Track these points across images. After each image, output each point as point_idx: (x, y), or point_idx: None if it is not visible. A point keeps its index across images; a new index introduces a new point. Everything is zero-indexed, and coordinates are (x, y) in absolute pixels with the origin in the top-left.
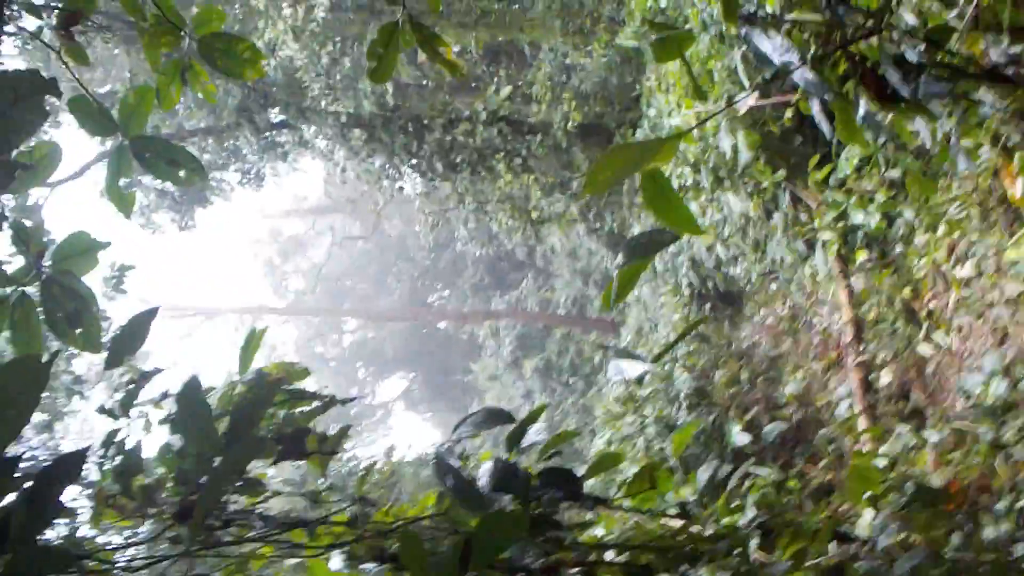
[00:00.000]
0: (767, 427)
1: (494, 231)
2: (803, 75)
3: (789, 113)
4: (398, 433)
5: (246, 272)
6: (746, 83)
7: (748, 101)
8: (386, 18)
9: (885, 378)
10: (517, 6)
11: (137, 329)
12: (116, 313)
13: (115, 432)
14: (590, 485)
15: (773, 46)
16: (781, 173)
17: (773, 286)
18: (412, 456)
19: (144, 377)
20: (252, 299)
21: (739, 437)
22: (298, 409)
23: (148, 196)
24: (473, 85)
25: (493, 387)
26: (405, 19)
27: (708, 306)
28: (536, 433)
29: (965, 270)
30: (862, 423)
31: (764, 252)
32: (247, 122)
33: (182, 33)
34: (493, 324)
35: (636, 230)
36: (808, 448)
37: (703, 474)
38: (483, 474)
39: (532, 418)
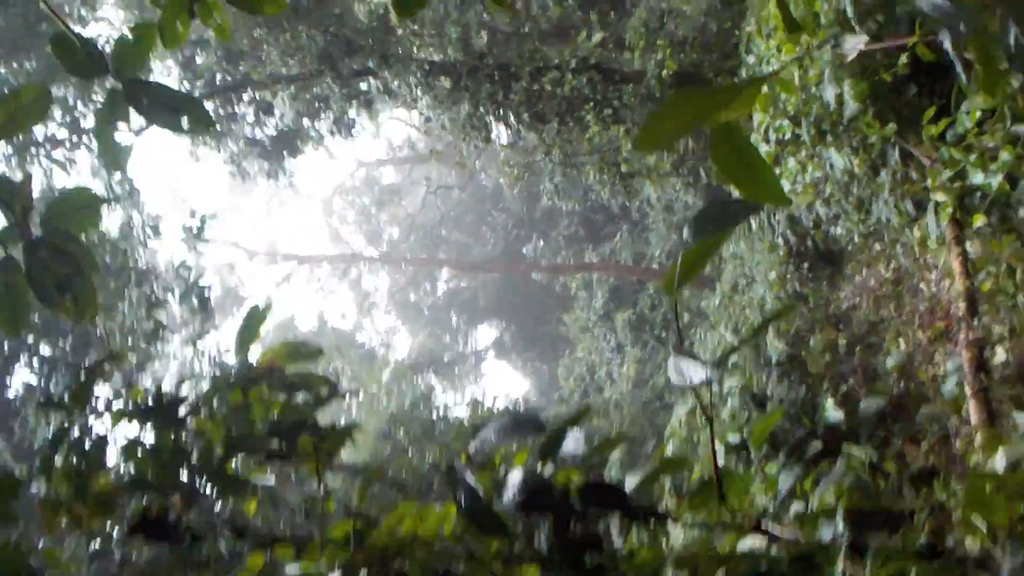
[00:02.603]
0: (864, 402)
1: (583, 185)
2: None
3: (904, 59)
4: (490, 381)
5: (341, 220)
6: (856, 27)
7: (857, 45)
8: None
9: (1001, 356)
10: None
11: None
12: (204, 262)
13: (66, 427)
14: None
15: None
16: (891, 127)
17: (877, 247)
18: (500, 406)
19: (99, 364)
20: (347, 247)
21: (833, 414)
22: (300, 398)
23: (238, 143)
24: (567, 33)
25: (584, 339)
26: None
27: (806, 265)
28: (574, 443)
29: None
30: (972, 408)
31: (868, 212)
32: (329, 69)
33: None
34: (586, 276)
35: (734, 191)
36: (908, 426)
37: (785, 481)
38: (509, 488)
39: (571, 422)
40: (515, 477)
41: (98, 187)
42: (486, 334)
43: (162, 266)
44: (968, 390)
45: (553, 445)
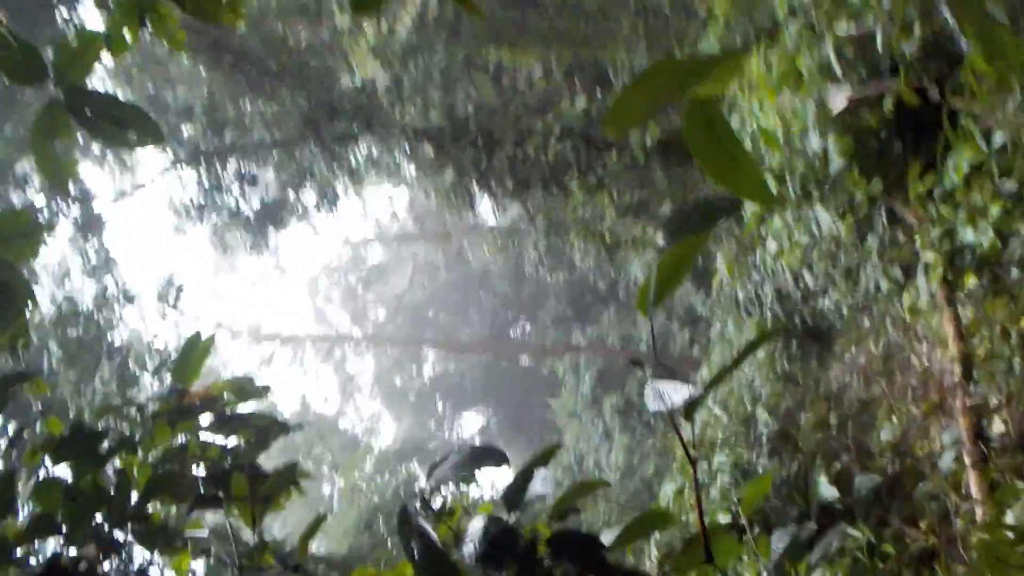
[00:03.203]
0: (859, 479)
1: (569, 258)
2: None
3: (890, 104)
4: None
5: (327, 300)
6: (841, 79)
7: (843, 95)
8: (466, 35)
9: (999, 425)
10: (601, 24)
11: None
12: (176, 333)
13: None
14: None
15: None
16: (877, 184)
17: (866, 322)
18: (488, 497)
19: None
20: (331, 327)
21: (826, 490)
22: (243, 440)
23: (220, 215)
24: (552, 103)
25: (571, 425)
26: None
27: (794, 343)
28: (542, 483)
29: None
30: (972, 479)
31: (856, 282)
32: (313, 135)
33: None
34: (573, 358)
35: (720, 265)
36: (905, 505)
37: (778, 543)
38: (470, 538)
39: (541, 461)
40: (476, 524)
41: (74, 256)
42: (472, 421)
43: (137, 341)
44: (967, 460)
45: (520, 487)
